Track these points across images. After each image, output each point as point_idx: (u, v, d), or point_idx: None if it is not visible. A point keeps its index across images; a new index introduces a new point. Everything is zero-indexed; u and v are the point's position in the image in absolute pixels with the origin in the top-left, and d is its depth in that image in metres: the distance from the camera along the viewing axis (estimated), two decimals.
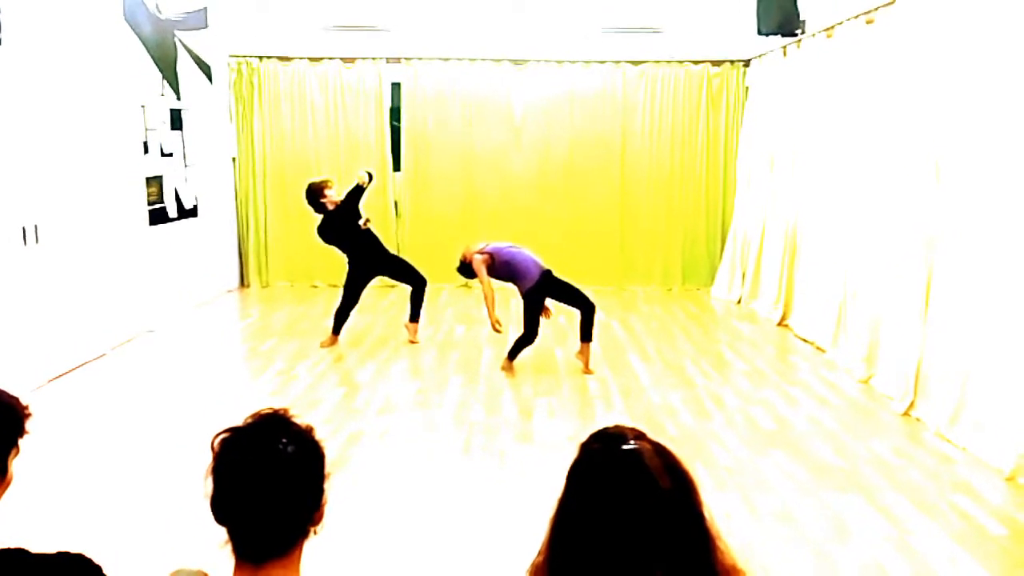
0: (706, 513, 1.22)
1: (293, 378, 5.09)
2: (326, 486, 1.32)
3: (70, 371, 5.18)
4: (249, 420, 1.28)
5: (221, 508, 1.22)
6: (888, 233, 4.89)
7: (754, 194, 7.46)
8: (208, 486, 1.22)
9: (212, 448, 1.23)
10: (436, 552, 2.95)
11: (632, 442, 1.21)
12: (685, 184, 8.19)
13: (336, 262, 8.23)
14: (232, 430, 1.26)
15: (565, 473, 1.24)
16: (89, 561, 1.25)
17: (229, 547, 1.24)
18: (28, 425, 1.42)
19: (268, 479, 1.21)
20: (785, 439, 4.09)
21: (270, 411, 1.31)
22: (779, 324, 6.64)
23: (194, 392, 4.90)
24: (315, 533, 1.30)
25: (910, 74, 4.67)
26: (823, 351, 5.75)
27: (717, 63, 8.00)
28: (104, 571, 1.25)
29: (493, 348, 5.83)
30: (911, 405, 4.43)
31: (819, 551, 2.95)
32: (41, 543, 1.32)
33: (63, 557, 1.23)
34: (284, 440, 1.24)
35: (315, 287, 8.23)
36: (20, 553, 1.21)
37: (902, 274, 4.66)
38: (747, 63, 7.92)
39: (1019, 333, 3.62)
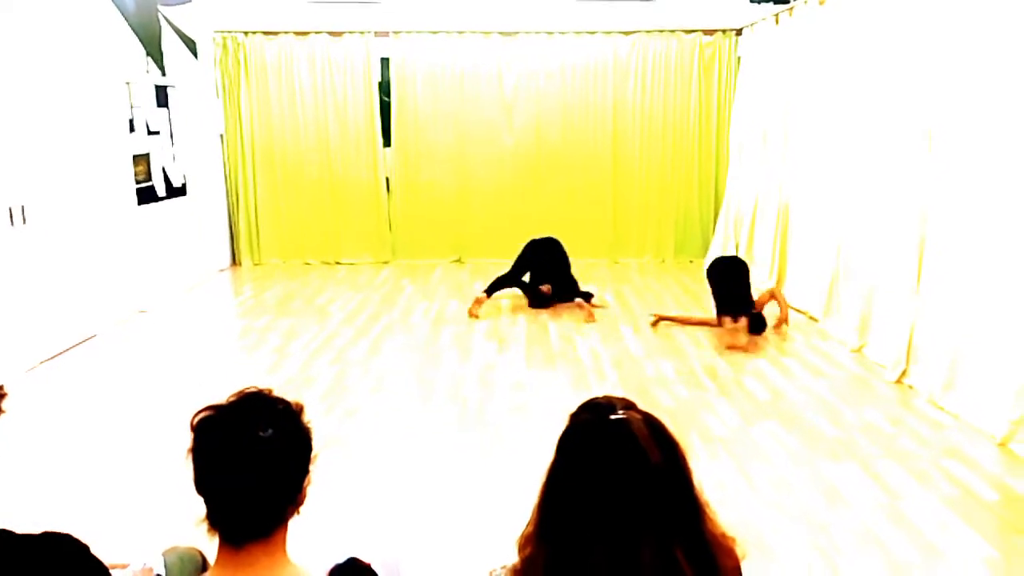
0: (696, 482, 1.21)
1: (287, 356, 5.08)
2: (311, 468, 1.30)
3: (62, 352, 5.15)
4: (230, 399, 1.26)
5: (200, 489, 1.22)
6: (881, 203, 4.87)
7: (747, 164, 7.42)
8: (190, 466, 1.21)
9: (191, 427, 1.22)
10: (430, 524, 2.96)
11: (621, 412, 1.21)
12: (678, 155, 8.14)
13: (328, 239, 8.22)
14: (211, 408, 1.24)
15: (555, 443, 1.23)
16: (76, 541, 1.23)
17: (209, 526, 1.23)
18: (4, 404, 1.40)
19: (243, 466, 1.20)
20: (778, 409, 4.10)
21: (253, 391, 1.29)
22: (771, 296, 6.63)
23: (188, 371, 4.88)
24: (298, 513, 1.29)
25: (903, 42, 4.62)
26: (816, 321, 5.75)
27: (709, 32, 7.92)
28: (91, 551, 1.23)
29: (486, 321, 5.83)
30: (904, 373, 4.44)
31: (813, 519, 2.96)
32: (32, 524, 1.31)
33: (49, 537, 1.22)
34: (262, 425, 1.22)
35: (308, 264, 8.20)
36: (5, 534, 1.19)
37: (894, 243, 4.65)
38: (739, 32, 7.84)
39: (1011, 300, 3.62)
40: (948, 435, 3.73)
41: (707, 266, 5.87)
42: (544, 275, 6.29)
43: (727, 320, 5.24)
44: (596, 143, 8.11)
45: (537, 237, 6.49)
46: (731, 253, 7.47)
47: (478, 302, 6.05)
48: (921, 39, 4.41)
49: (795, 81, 6.35)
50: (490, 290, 6.13)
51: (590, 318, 5.84)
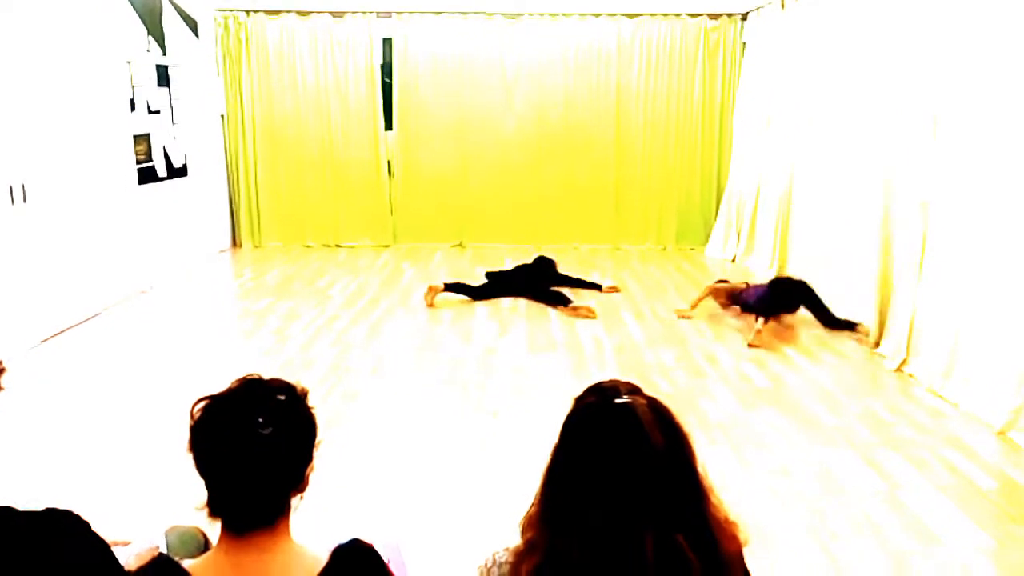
0: (700, 468, 1.21)
1: (287, 338, 5.07)
2: (315, 453, 1.30)
3: (63, 331, 5.15)
4: (231, 387, 1.25)
5: (201, 476, 1.22)
6: (884, 190, 4.85)
7: (750, 151, 7.39)
8: (191, 454, 1.21)
9: (191, 416, 1.21)
10: (432, 507, 2.97)
11: (626, 396, 1.20)
12: (681, 141, 8.10)
13: (329, 222, 8.20)
14: (211, 399, 1.23)
15: (560, 426, 1.23)
16: (77, 518, 1.23)
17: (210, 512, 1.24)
18: (4, 381, 1.39)
19: (244, 461, 1.19)
20: (778, 396, 4.10)
21: (254, 378, 1.28)
22: None
23: (189, 352, 4.88)
24: (301, 498, 1.28)
25: (909, 28, 4.59)
26: None
27: (714, 16, 7.86)
28: (92, 528, 1.23)
29: (487, 307, 5.83)
30: (904, 362, 4.44)
31: (811, 506, 2.98)
32: (33, 501, 1.31)
33: (51, 514, 1.22)
34: (263, 420, 1.20)
35: (308, 247, 8.18)
36: (6, 510, 1.20)
37: (897, 231, 4.64)
38: (744, 16, 7.78)
39: (1012, 290, 3.61)
40: (947, 424, 3.74)
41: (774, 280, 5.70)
42: (533, 286, 6.16)
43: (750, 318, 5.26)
44: (599, 128, 8.06)
45: (522, 263, 6.47)
46: (732, 247, 7.49)
47: (433, 290, 5.88)
48: (927, 25, 4.38)
49: (800, 67, 6.31)
50: (452, 287, 5.98)
51: (588, 314, 5.65)
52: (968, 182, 4.00)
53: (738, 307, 5.54)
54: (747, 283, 5.67)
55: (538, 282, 6.18)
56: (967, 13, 4.02)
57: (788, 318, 5.40)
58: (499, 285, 6.16)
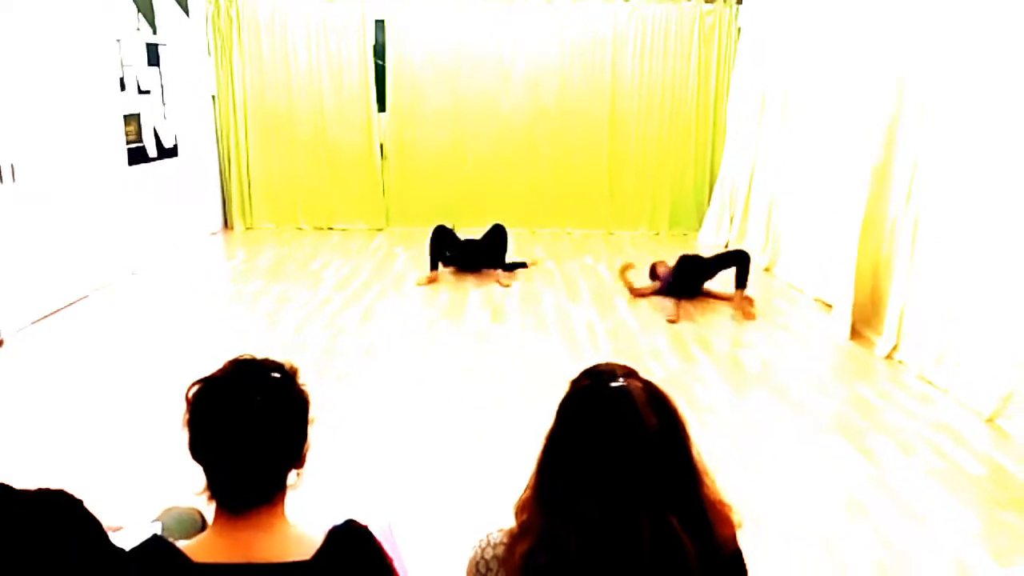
0: (694, 451, 1.21)
1: (279, 321, 5.06)
2: (309, 430, 1.30)
3: (52, 313, 5.12)
4: (224, 368, 1.25)
5: (198, 460, 1.22)
6: (876, 176, 4.85)
7: (744, 137, 7.38)
8: (186, 436, 1.21)
9: (186, 399, 1.21)
10: (425, 488, 2.97)
11: (621, 379, 1.20)
12: (675, 126, 8.07)
13: (321, 204, 8.15)
14: (204, 381, 1.23)
15: (554, 409, 1.23)
16: (70, 496, 1.23)
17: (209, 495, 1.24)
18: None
19: (240, 437, 1.20)
20: (769, 381, 4.12)
21: (246, 359, 1.28)
22: (765, 269, 6.64)
23: (179, 335, 4.86)
24: (299, 476, 1.29)
25: (904, 16, 4.57)
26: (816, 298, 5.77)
27: (710, 0, 7.81)
28: (85, 506, 1.23)
29: (480, 290, 5.82)
30: (894, 348, 4.47)
31: (802, 489, 3.00)
32: (25, 483, 1.30)
33: (44, 493, 1.22)
34: (258, 396, 1.21)
35: (300, 229, 8.14)
36: (1, 488, 1.19)
37: (889, 218, 4.65)
38: (740, 1, 7.73)
39: (1002, 278, 3.63)
40: (937, 410, 3.77)
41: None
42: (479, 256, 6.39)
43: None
44: (593, 112, 8.02)
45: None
46: (725, 233, 7.48)
47: (430, 279, 6.11)
48: (922, 13, 4.37)
49: (795, 52, 6.29)
50: (435, 264, 6.19)
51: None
52: (960, 169, 4.01)
53: (659, 285, 5.71)
54: (664, 262, 5.89)
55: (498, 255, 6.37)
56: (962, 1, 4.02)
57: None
58: (466, 256, 6.35)
